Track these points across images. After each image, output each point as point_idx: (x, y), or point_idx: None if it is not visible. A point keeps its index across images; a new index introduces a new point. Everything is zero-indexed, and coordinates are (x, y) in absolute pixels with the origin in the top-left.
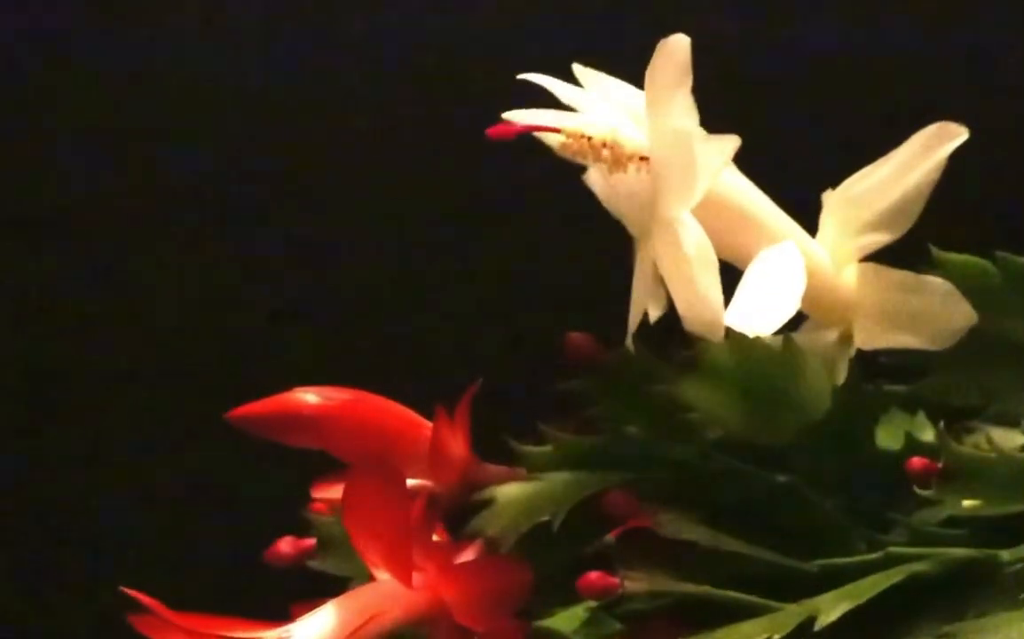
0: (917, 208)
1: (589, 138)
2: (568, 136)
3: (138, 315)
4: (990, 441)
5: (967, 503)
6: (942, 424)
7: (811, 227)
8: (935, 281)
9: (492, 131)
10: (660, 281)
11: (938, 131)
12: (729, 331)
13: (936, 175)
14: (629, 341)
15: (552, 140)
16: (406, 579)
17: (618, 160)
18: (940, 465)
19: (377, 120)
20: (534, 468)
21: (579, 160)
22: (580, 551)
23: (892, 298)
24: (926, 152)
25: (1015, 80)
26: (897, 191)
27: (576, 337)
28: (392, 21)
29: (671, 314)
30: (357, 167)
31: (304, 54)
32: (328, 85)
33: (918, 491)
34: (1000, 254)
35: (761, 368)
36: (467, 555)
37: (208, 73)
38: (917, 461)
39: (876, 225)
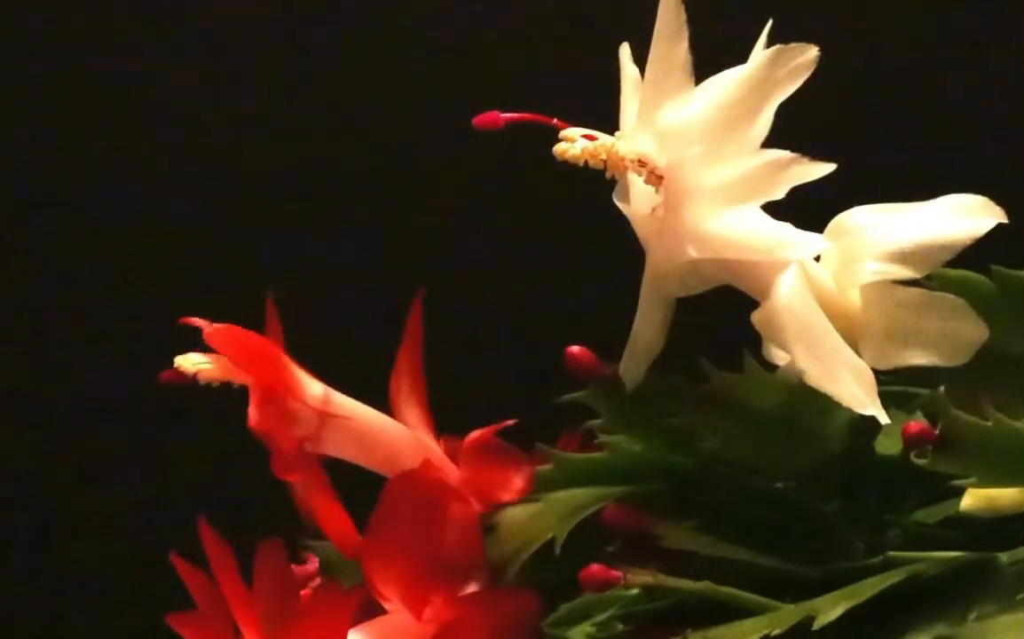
0: (939, 258)
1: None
2: (565, 139)
3: None
4: (989, 416)
5: (964, 505)
6: (942, 389)
7: None
8: (945, 297)
9: (478, 120)
10: (668, 305)
11: (981, 205)
12: (746, 367)
13: (966, 243)
14: (628, 366)
15: (562, 149)
16: (419, 613)
17: (616, 164)
18: (937, 432)
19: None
20: (535, 488)
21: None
22: (582, 566)
23: (902, 316)
24: (959, 215)
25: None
26: (919, 234)
27: (576, 350)
28: None
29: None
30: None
31: None
32: None
33: (914, 460)
34: (996, 268)
35: (778, 402)
36: (474, 585)
37: None
38: (914, 425)
39: (890, 257)
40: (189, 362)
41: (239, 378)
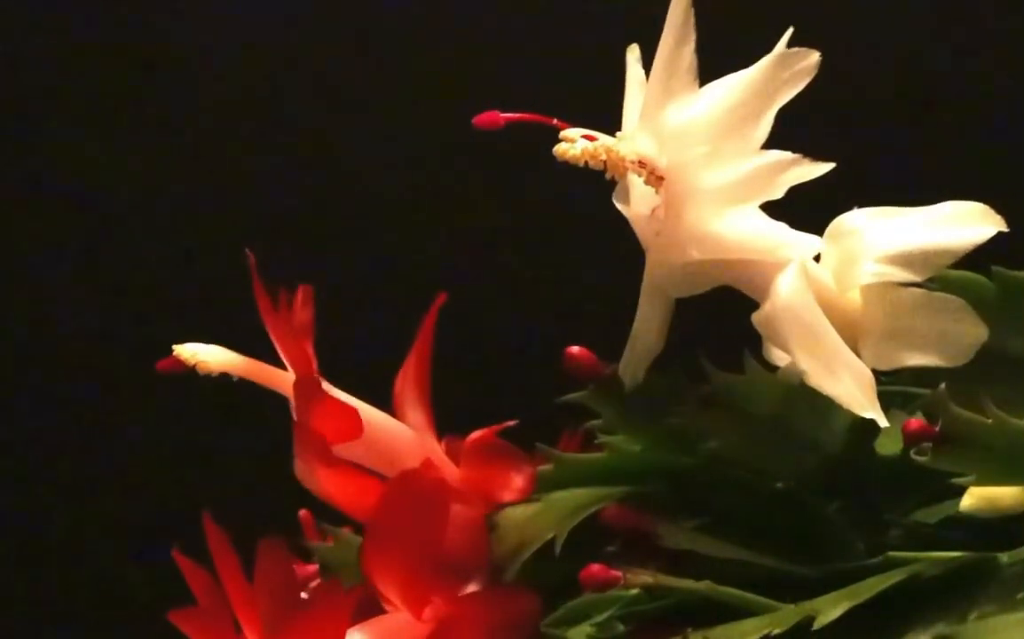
0: (940, 263)
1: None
2: (565, 140)
3: None
4: (990, 414)
5: (964, 505)
6: (943, 386)
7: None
8: (946, 298)
9: (478, 120)
10: (668, 305)
11: (981, 212)
12: (747, 367)
13: (966, 249)
14: (628, 366)
15: (563, 149)
16: (418, 612)
17: (616, 165)
18: (937, 429)
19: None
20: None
21: (575, 163)
22: (582, 566)
23: (902, 317)
24: (960, 222)
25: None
26: (920, 238)
27: (576, 350)
28: None
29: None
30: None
31: None
32: None
33: (915, 458)
34: (996, 269)
35: (778, 403)
36: (474, 585)
37: None
38: (914, 422)
39: (891, 260)
40: (188, 352)
41: (236, 371)
